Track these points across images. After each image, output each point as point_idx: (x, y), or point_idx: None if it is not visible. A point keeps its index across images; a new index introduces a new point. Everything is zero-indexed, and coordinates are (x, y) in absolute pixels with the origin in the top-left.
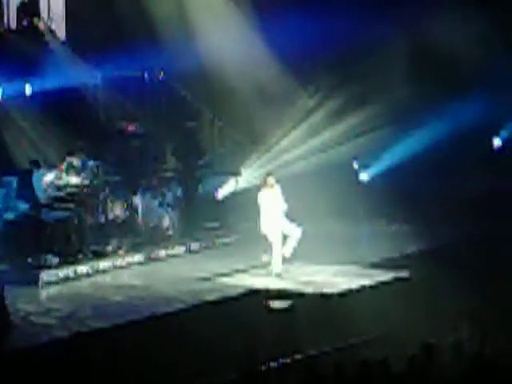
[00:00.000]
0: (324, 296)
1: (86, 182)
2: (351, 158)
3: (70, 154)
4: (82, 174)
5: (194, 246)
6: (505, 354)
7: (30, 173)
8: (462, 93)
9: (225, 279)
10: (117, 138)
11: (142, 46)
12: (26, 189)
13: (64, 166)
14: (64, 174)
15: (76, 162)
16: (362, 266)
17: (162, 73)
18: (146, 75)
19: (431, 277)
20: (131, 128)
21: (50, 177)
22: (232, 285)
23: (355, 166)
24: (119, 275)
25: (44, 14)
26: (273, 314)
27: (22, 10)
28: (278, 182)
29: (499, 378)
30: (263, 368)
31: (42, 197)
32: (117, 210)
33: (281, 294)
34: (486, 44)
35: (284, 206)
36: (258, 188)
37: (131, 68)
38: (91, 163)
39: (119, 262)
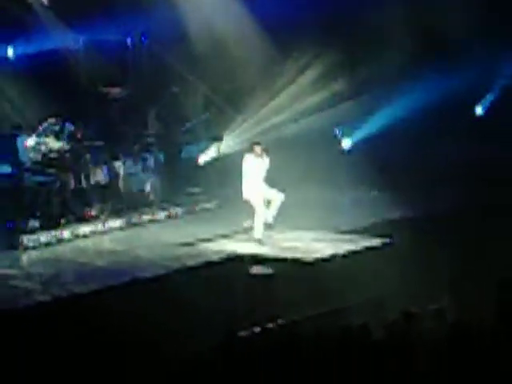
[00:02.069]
0: (305, 262)
1: (67, 146)
2: (333, 125)
3: (47, 118)
4: (62, 138)
5: (176, 211)
6: (482, 321)
7: (12, 136)
8: (446, 62)
9: (206, 244)
10: (99, 103)
11: (124, 11)
12: (9, 152)
13: (41, 129)
14: (46, 139)
15: (53, 125)
16: (344, 232)
17: (144, 40)
18: (128, 40)
19: (413, 244)
20: (113, 92)
21: (31, 141)
22: (213, 250)
23: (337, 133)
24: (101, 240)
25: None
26: (254, 279)
27: None
28: (267, 151)
29: (477, 344)
30: (244, 333)
31: (25, 161)
32: (98, 175)
33: (262, 260)
34: (472, 15)
35: (264, 175)
36: (242, 154)
37: (114, 32)
38: (69, 127)
39: (100, 226)
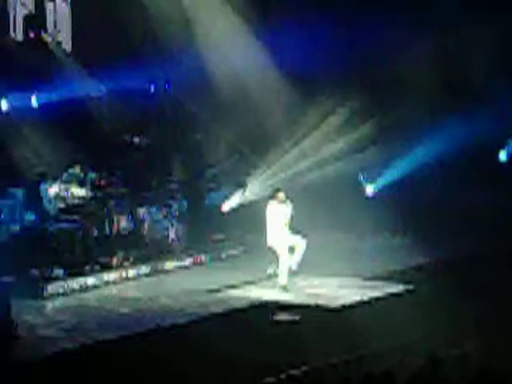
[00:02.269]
0: (329, 308)
1: (91, 193)
2: (357, 171)
3: (70, 165)
4: (85, 186)
5: (200, 257)
6: (508, 366)
7: (37, 184)
8: (470, 107)
9: (231, 291)
10: (122, 150)
11: (147, 58)
12: (33, 200)
13: (64, 177)
14: (69, 186)
15: (77, 173)
16: (367, 278)
17: (167, 87)
18: (151, 87)
19: (437, 290)
20: (137, 140)
21: (55, 188)
22: (238, 297)
23: (361, 178)
24: (125, 287)
25: (50, 26)
26: (279, 326)
27: (28, 22)
28: (289, 198)
29: None
30: (270, 381)
31: (49, 208)
32: (123, 223)
33: (287, 306)
34: (494, 59)
35: (288, 221)
36: (266, 201)
37: (137, 80)
38: (92, 175)
39: (125, 274)
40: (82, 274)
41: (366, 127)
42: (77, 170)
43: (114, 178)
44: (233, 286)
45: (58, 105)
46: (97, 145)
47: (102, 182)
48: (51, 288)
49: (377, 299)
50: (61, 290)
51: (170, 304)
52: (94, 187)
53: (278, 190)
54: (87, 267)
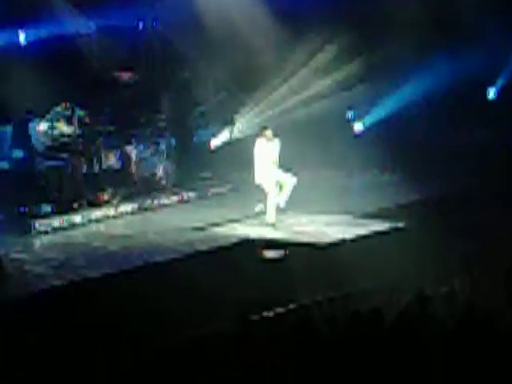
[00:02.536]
0: (317, 246)
1: (79, 131)
2: (345, 109)
3: (57, 103)
4: (72, 123)
5: (188, 195)
6: (495, 303)
7: (25, 122)
8: (458, 44)
9: (218, 229)
10: (111, 88)
11: None
12: (21, 138)
13: (51, 114)
14: (57, 124)
15: (63, 110)
16: (356, 216)
17: (155, 25)
18: (140, 24)
19: (424, 228)
20: (125, 77)
21: (43, 126)
22: (225, 234)
23: (349, 116)
24: (113, 225)
25: None
26: (266, 263)
27: None
28: (277, 135)
29: (489, 327)
30: (256, 317)
31: (37, 146)
32: (111, 160)
33: (274, 244)
34: None
35: (276, 159)
36: (253, 138)
37: (126, 17)
38: (79, 112)
39: (113, 211)
40: (69, 211)
41: (353, 65)
42: (63, 107)
43: (101, 116)
44: (220, 224)
45: (47, 42)
46: (86, 82)
47: (90, 120)
48: (39, 225)
49: (365, 237)
50: (49, 228)
51: (158, 241)
52: (82, 125)
53: (265, 128)
54: (75, 204)
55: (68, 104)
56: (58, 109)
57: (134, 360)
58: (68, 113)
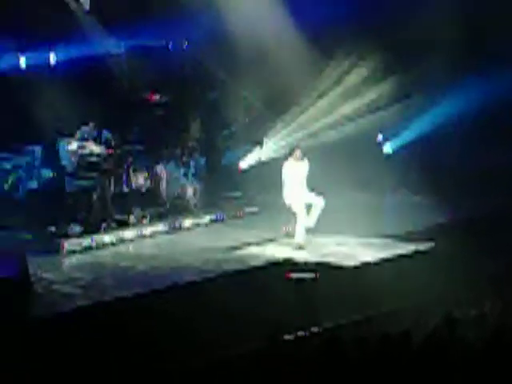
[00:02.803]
0: (346, 267)
1: (109, 151)
2: (376, 130)
3: (84, 123)
4: (100, 144)
5: (217, 216)
6: None
7: (55, 142)
8: (492, 66)
9: (247, 249)
10: (140, 108)
11: (166, 16)
12: (51, 158)
13: (78, 134)
14: (87, 143)
15: (90, 131)
16: (385, 237)
17: (186, 42)
18: (170, 45)
19: (455, 249)
20: (155, 97)
21: (73, 145)
22: (255, 255)
23: (380, 137)
24: (142, 245)
25: None
26: (296, 284)
27: None
28: (306, 156)
29: None
30: (285, 338)
31: (67, 165)
32: (140, 180)
33: (303, 265)
34: None
35: (305, 180)
36: (282, 159)
37: (156, 38)
38: (106, 133)
39: (142, 231)
40: (99, 231)
41: (384, 86)
42: (91, 127)
43: (131, 136)
44: (249, 244)
45: (77, 62)
46: (116, 102)
47: (119, 140)
48: (68, 245)
49: (394, 258)
50: (78, 247)
51: (187, 262)
52: (111, 145)
53: (295, 148)
54: (104, 224)
55: (95, 124)
56: (86, 129)
57: (164, 380)
58: (95, 133)
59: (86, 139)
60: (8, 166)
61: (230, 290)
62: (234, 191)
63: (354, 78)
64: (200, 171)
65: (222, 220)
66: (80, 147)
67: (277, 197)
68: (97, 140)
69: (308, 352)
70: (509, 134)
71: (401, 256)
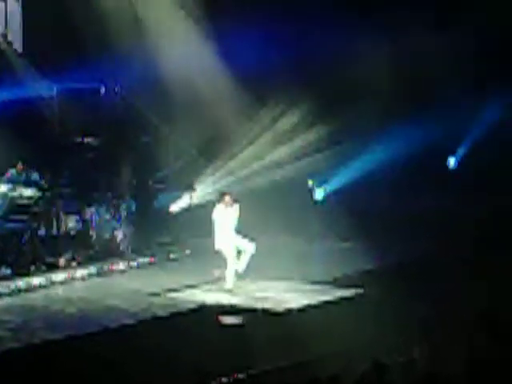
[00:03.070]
0: (275, 312)
1: (39, 194)
2: (306, 176)
3: (11, 166)
4: (29, 186)
5: (147, 260)
6: (455, 369)
7: None
8: (419, 113)
9: (177, 294)
10: (72, 151)
11: (98, 59)
12: None
13: (7, 176)
14: (16, 186)
15: (18, 174)
16: (315, 283)
17: (118, 87)
18: (102, 88)
19: (384, 294)
20: (86, 141)
21: (3, 188)
22: (183, 300)
23: (310, 183)
24: (72, 288)
25: (1, 25)
26: (224, 329)
27: None
28: (237, 201)
29: None
30: None
31: None
32: (70, 223)
33: (232, 310)
34: (446, 67)
35: (234, 225)
36: (213, 204)
37: (88, 80)
38: (35, 175)
39: (72, 274)
40: (29, 273)
41: (315, 131)
42: (18, 170)
43: (62, 179)
44: (178, 290)
45: (9, 104)
46: (47, 145)
47: (49, 183)
48: None
49: (324, 303)
50: (7, 290)
51: (116, 305)
52: (40, 188)
53: (224, 194)
54: (33, 267)
55: (23, 167)
56: (13, 171)
57: None
58: (23, 176)
59: (14, 181)
60: None
61: (160, 334)
62: (165, 235)
63: (284, 124)
64: (131, 215)
65: (153, 264)
66: (10, 190)
67: (208, 241)
68: (25, 183)
69: None
70: (437, 180)
71: (328, 302)
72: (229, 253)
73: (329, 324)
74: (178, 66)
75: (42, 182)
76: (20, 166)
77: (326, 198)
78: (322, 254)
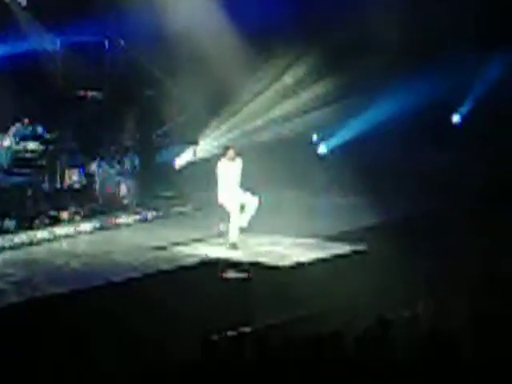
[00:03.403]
0: (279, 267)
1: (43, 148)
2: (311, 130)
3: (18, 119)
4: (34, 140)
5: (150, 214)
6: (458, 324)
7: None
8: (425, 68)
9: (180, 248)
10: (75, 105)
11: (102, 13)
12: None
13: (12, 131)
14: (21, 140)
15: (24, 127)
16: (319, 238)
17: (121, 41)
18: (106, 42)
19: (388, 250)
20: (90, 95)
21: (6, 142)
22: (187, 254)
23: (314, 138)
24: (75, 242)
25: None
26: (227, 283)
27: None
28: (240, 154)
29: (452, 355)
30: (215, 337)
31: (0, 161)
32: (74, 177)
33: (235, 264)
34: (453, 21)
35: (239, 179)
36: (217, 158)
37: (92, 34)
38: (40, 129)
39: (75, 228)
40: (32, 227)
41: (320, 86)
42: (24, 124)
43: (65, 133)
44: (182, 243)
45: (12, 58)
46: (50, 99)
47: (53, 137)
48: (1, 241)
49: (327, 259)
50: (11, 243)
51: (119, 260)
52: (45, 142)
53: (228, 148)
54: (37, 221)
55: (28, 121)
56: (19, 125)
57: (97, 379)
58: (29, 130)
59: (21, 135)
60: None
61: (165, 288)
62: (169, 190)
63: (289, 78)
64: (134, 169)
65: (156, 218)
66: (14, 143)
67: (211, 196)
68: (31, 136)
69: (239, 351)
70: (445, 135)
71: (334, 256)
72: (232, 207)
73: (332, 280)
74: (182, 20)
75: (48, 136)
76: (26, 119)
77: (332, 152)
78: (327, 208)
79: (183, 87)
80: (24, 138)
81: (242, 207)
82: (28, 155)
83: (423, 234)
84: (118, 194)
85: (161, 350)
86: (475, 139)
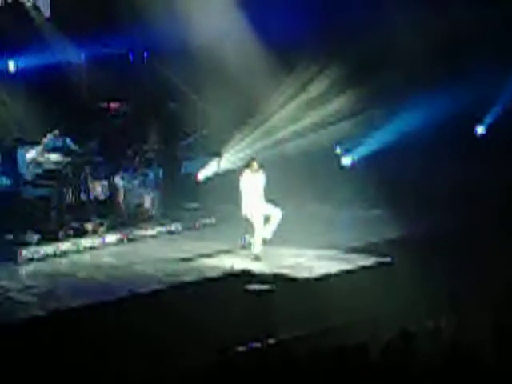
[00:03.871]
0: (302, 279)
1: (68, 159)
2: (334, 142)
3: (49, 131)
4: (62, 152)
5: (174, 226)
6: (480, 340)
7: (13, 150)
8: (448, 79)
9: (204, 260)
10: (99, 117)
11: (126, 25)
12: (9, 165)
13: (44, 142)
14: (46, 151)
15: (55, 140)
16: (343, 250)
17: (145, 55)
18: (130, 54)
19: (412, 263)
20: (114, 107)
21: (32, 154)
22: (211, 266)
23: (338, 150)
24: (99, 254)
25: None
26: (252, 296)
27: None
28: (262, 166)
29: (473, 364)
30: (239, 350)
31: (25, 173)
32: (98, 189)
33: (260, 277)
34: (476, 33)
35: (262, 191)
36: (240, 170)
37: (116, 47)
38: (70, 142)
39: (99, 240)
40: (56, 239)
41: (344, 98)
42: (55, 136)
43: (90, 145)
44: (206, 255)
45: (36, 70)
46: (74, 111)
47: (78, 149)
48: (25, 253)
49: (351, 271)
50: (35, 256)
51: (143, 272)
52: (71, 153)
53: (252, 160)
54: (61, 233)
55: (60, 132)
56: (50, 136)
57: None
58: (59, 141)
59: (48, 147)
60: None
61: (187, 301)
62: (193, 202)
63: (313, 90)
64: (158, 181)
65: (181, 230)
66: (39, 155)
67: (235, 208)
68: (59, 148)
69: (262, 364)
70: (470, 149)
71: (357, 269)
72: (256, 219)
73: (356, 293)
74: (206, 33)
75: (76, 148)
76: (57, 131)
77: (355, 164)
78: (350, 221)
79: (207, 99)
80: (55, 150)
81: (266, 219)
82: (52, 167)
83: (448, 248)
84: (143, 206)
85: (185, 361)
86: (501, 151)
